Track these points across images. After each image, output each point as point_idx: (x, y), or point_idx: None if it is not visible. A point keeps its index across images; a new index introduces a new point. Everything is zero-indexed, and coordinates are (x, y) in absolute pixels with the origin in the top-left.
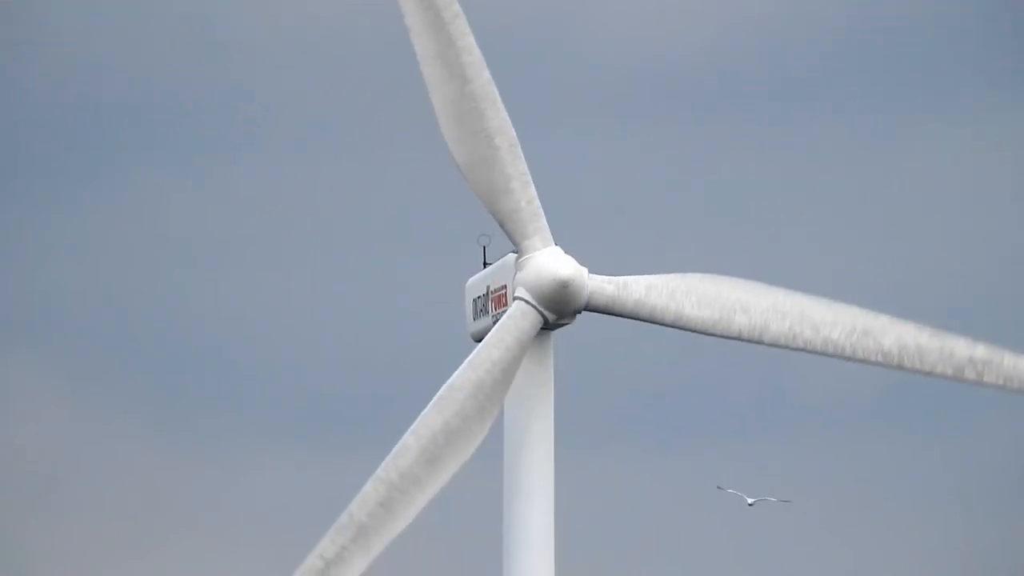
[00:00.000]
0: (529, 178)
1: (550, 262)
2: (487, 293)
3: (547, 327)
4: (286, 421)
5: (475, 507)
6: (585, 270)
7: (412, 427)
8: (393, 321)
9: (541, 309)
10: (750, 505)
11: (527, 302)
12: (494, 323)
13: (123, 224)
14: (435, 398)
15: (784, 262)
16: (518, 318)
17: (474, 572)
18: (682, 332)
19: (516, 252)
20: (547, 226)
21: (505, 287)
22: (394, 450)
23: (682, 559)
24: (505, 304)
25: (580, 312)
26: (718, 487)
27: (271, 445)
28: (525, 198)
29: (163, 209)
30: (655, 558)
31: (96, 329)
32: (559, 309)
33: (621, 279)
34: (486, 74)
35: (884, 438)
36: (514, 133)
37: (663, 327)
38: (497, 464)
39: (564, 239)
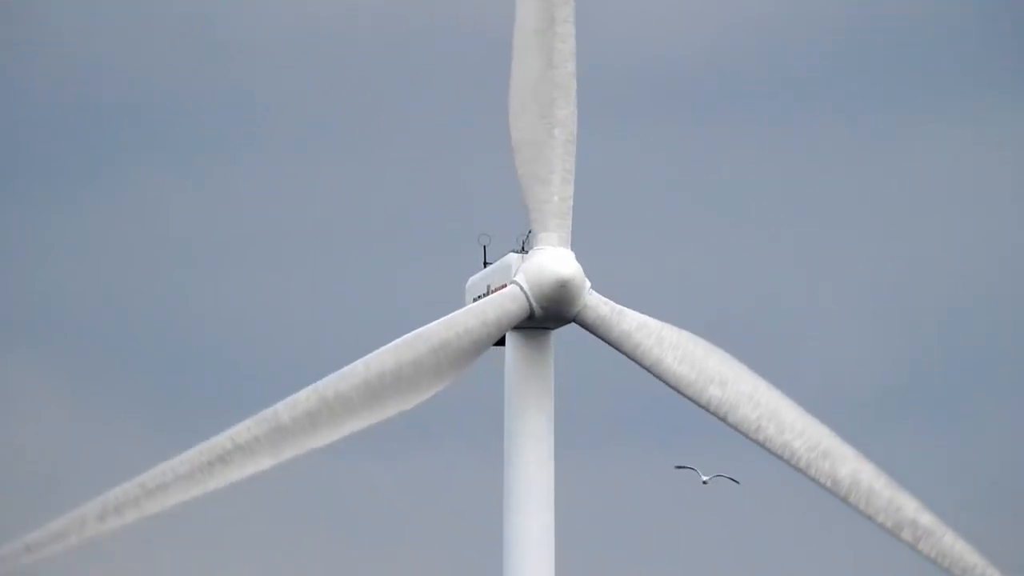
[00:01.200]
0: (572, 177)
1: (556, 260)
2: (487, 293)
3: (534, 323)
4: None
5: (476, 506)
6: (588, 282)
7: (366, 357)
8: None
9: (532, 300)
10: (704, 483)
11: (521, 289)
12: None
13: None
14: (400, 339)
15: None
16: (507, 299)
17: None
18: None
19: (517, 251)
20: (570, 227)
21: (505, 287)
22: (341, 370)
23: (682, 559)
24: None
25: (570, 321)
26: (676, 467)
27: None
28: (560, 194)
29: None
30: (655, 557)
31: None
32: (550, 307)
33: (619, 307)
34: (572, 66)
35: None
36: (575, 131)
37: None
38: (498, 464)
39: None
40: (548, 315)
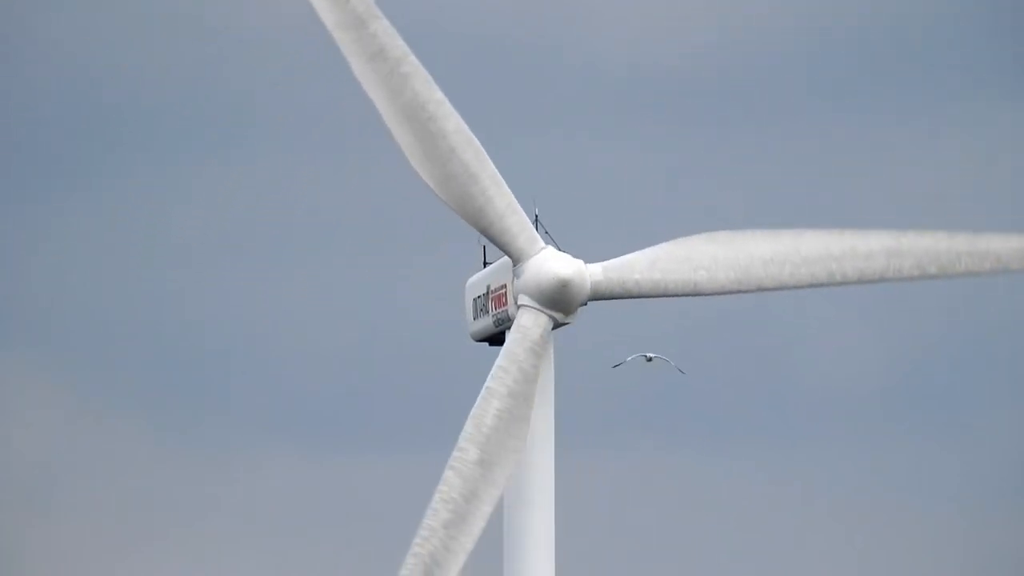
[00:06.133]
0: (503, 184)
1: (548, 264)
2: (487, 293)
3: (555, 326)
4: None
5: None
6: (581, 263)
7: (456, 449)
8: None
9: (547, 312)
10: (649, 360)
11: (533, 308)
12: (494, 323)
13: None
14: (464, 432)
15: None
16: (527, 328)
17: (474, 571)
18: (683, 331)
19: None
20: (533, 228)
21: (505, 287)
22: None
23: (683, 558)
24: (505, 304)
25: (585, 304)
26: (614, 366)
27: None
28: (504, 205)
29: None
30: (656, 557)
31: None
32: (564, 307)
33: (617, 262)
34: (414, 65)
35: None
36: (477, 142)
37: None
38: None
39: (563, 239)
40: (567, 313)
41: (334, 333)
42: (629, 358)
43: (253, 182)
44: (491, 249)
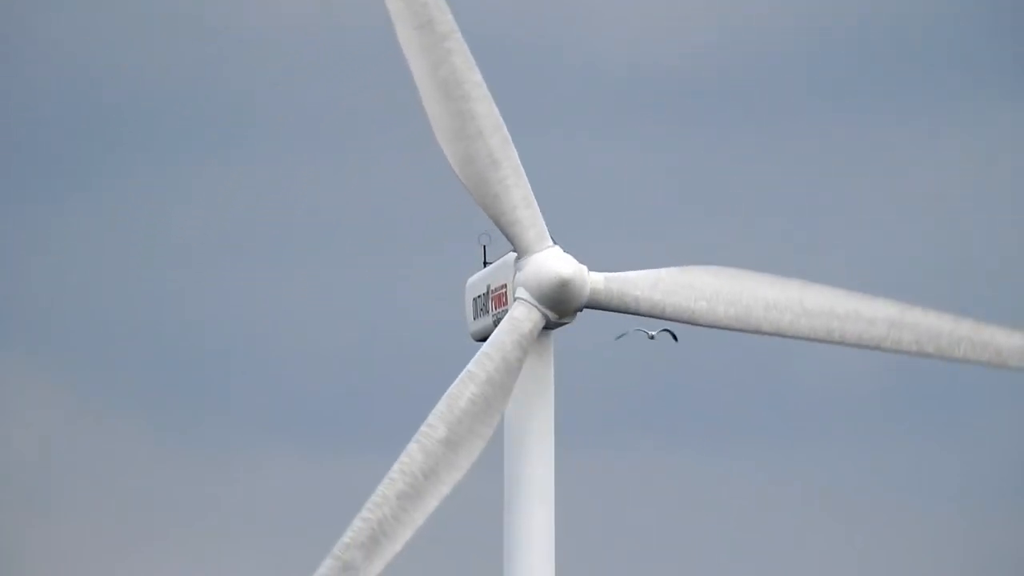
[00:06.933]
0: (524, 176)
1: (550, 261)
2: (487, 292)
3: (548, 326)
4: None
5: (475, 507)
6: (584, 268)
7: (420, 432)
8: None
9: (543, 309)
10: (651, 337)
11: (528, 302)
12: (494, 323)
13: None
14: (439, 407)
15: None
16: (518, 320)
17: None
18: (683, 330)
19: (515, 252)
20: (544, 225)
21: (505, 286)
22: (407, 449)
23: (683, 558)
24: (505, 304)
25: (581, 310)
26: (616, 337)
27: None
28: (520, 197)
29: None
30: (656, 557)
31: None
32: (560, 307)
33: (620, 275)
34: (460, 46)
35: (886, 436)
36: (505, 130)
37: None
38: (497, 464)
39: (564, 239)
40: (562, 315)
41: (334, 333)
42: (632, 330)
43: (253, 182)
44: (491, 249)
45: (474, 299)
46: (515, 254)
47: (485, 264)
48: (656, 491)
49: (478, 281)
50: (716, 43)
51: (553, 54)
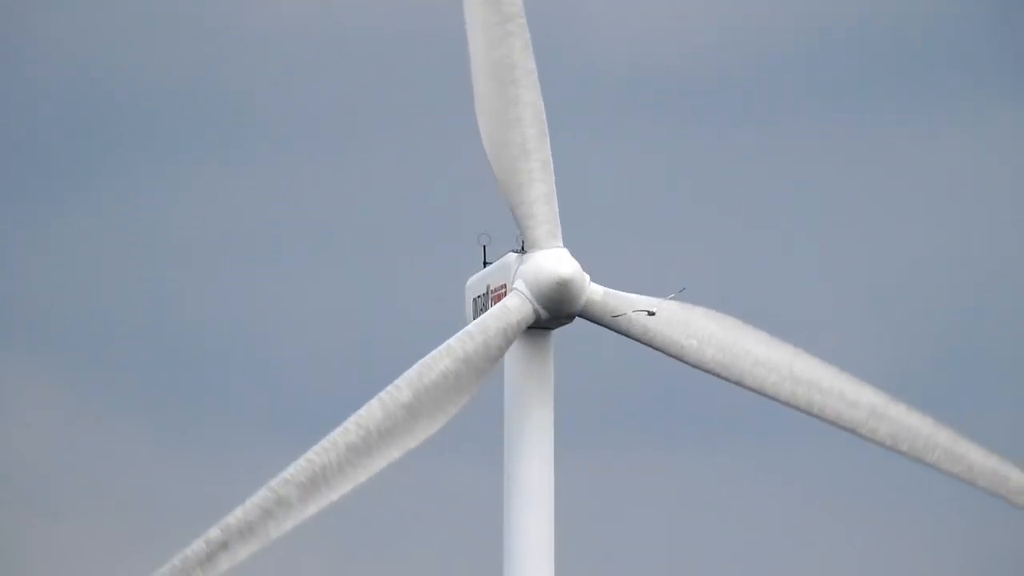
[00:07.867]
0: (551, 172)
1: (553, 260)
2: (487, 293)
3: (539, 325)
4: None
5: (475, 507)
6: (587, 275)
7: (380, 395)
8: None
9: (535, 304)
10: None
11: (522, 295)
12: None
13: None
14: (408, 373)
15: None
16: (508, 310)
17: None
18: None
19: (517, 250)
20: (559, 225)
21: (505, 286)
22: (357, 414)
23: (683, 558)
24: None
25: (574, 317)
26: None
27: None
28: (541, 192)
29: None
30: (656, 557)
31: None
32: (553, 308)
33: (622, 294)
34: (531, 64)
35: None
36: (545, 124)
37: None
38: (497, 464)
39: (563, 239)
40: (553, 315)
41: (334, 333)
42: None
43: (253, 182)
44: (491, 249)
45: (474, 299)
46: (515, 254)
47: (485, 264)
48: (655, 491)
49: (478, 281)
50: (716, 43)
51: (553, 54)
